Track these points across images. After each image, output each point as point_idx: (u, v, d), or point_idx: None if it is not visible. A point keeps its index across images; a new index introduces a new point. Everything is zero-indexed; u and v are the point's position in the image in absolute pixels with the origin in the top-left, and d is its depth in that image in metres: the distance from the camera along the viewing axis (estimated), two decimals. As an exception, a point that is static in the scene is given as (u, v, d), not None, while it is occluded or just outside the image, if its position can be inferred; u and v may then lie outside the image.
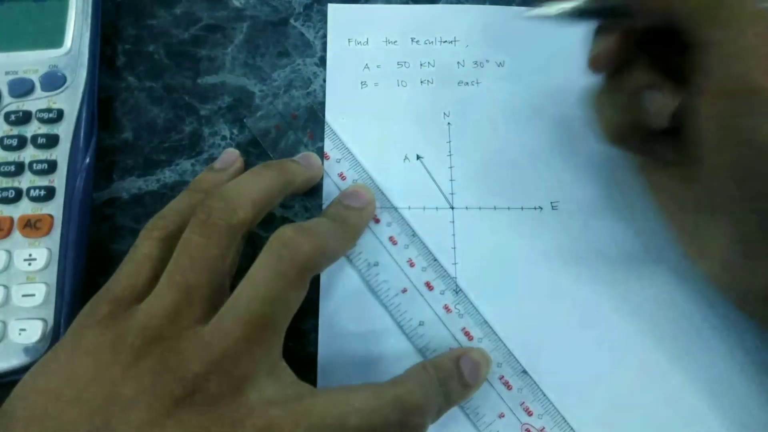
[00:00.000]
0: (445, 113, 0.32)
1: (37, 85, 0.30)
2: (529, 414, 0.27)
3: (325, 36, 0.34)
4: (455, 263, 0.29)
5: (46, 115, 0.29)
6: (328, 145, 0.31)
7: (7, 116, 0.29)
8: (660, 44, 0.24)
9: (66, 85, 0.30)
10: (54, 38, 0.30)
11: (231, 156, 0.30)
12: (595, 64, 0.25)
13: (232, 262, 0.25)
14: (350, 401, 0.22)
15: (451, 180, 0.31)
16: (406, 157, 0.31)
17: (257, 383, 0.21)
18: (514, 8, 0.34)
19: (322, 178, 0.31)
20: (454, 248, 0.29)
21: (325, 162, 0.31)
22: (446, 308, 0.28)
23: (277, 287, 0.22)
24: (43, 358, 0.22)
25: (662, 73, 0.24)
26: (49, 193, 0.28)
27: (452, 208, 0.30)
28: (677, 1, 0.21)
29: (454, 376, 0.25)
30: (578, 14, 0.24)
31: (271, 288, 0.22)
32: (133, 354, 0.21)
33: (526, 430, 0.26)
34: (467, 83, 0.33)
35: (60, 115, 0.29)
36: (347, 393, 0.22)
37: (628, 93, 0.25)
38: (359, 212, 0.28)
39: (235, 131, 0.32)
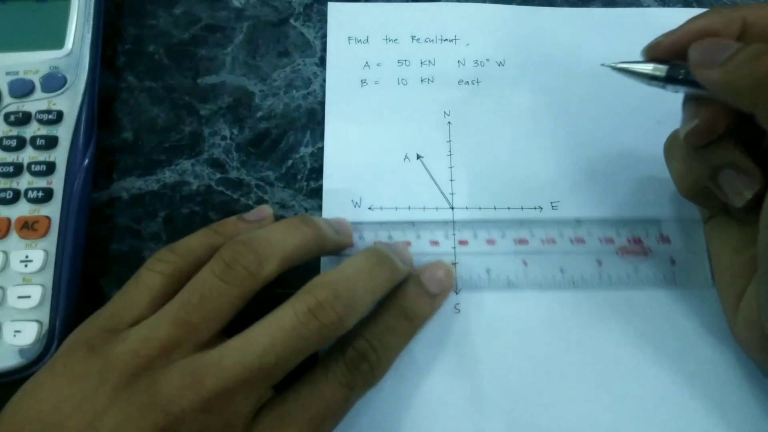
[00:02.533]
0: (445, 112, 0.32)
1: (38, 86, 0.30)
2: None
3: (324, 36, 0.33)
4: (455, 263, 0.28)
5: (45, 117, 0.29)
6: (328, 145, 0.31)
7: (6, 117, 0.29)
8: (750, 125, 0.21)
9: (66, 86, 0.30)
10: (55, 39, 0.30)
11: (264, 212, 0.28)
12: (690, 140, 0.23)
13: (239, 309, 0.23)
14: None
15: (451, 180, 0.30)
16: (406, 157, 0.31)
17: (246, 418, 0.21)
18: (515, 7, 0.34)
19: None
20: (455, 248, 0.29)
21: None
22: (446, 308, 0.28)
23: (296, 347, 0.21)
24: (31, 379, 0.22)
25: (747, 156, 0.22)
26: (47, 195, 0.28)
27: (452, 208, 0.30)
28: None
29: (417, 295, 0.26)
30: (669, 80, 0.23)
31: (289, 347, 0.21)
32: (121, 382, 0.20)
33: None
34: (468, 82, 0.32)
35: (60, 116, 0.29)
36: None
37: (706, 166, 0.23)
38: (401, 264, 0.26)
39: (235, 131, 0.32)
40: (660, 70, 0.23)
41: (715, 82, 0.21)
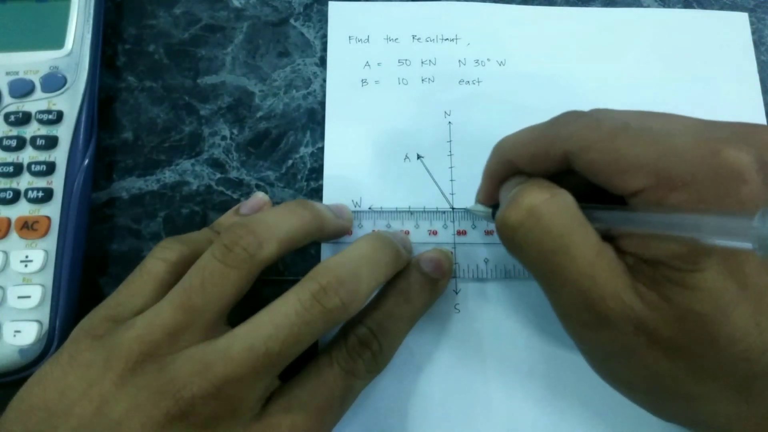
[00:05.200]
0: (446, 112, 0.32)
1: (38, 86, 0.30)
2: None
3: (325, 36, 0.33)
4: (456, 263, 0.28)
5: (45, 117, 0.29)
6: (328, 145, 0.31)
7: (6, 117, 0.29)
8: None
9: (66, 86, 0.30)
10: (55, 39, 0.30)
11: (259, 202, 0.29)
12: None
13: (242, 294, 0.23)
14: None
15: (452, 180, 0.30)
16: (406, 157, 0.31)
17: (255, 406, 0.21)
18: (516, 7, 0.34)
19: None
20: (455, 247, 0.29)
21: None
22: (446, 309, 0.28)
23: (300, 333, 0.21)
24: (39, 369, 0.22)
25: None
26: (47, 195, 0.28)
27: (453, 208, 0.30)
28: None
29: (418, 281, 0.26)
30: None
31: (294, 333, 0.21)
32: (127, 369, 0.20)
33: None
34: (468, 82, 0.32)
35: (60, 116, 0.29)
36: None
37: None
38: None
39: (235, 131, 0.32)
40: (487, 213, 0.27)
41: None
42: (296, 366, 0.23)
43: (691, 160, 0.19)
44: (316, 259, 0.29)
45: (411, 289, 0.26)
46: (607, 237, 0.21)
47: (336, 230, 0.28)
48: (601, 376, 0.22)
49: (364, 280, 0.23)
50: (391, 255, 0.25)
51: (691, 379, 0.19)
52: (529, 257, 0.21)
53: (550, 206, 0.21)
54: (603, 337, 0.20)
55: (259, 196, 0.29)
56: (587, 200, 0.21)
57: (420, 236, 0.29)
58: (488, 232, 0.29)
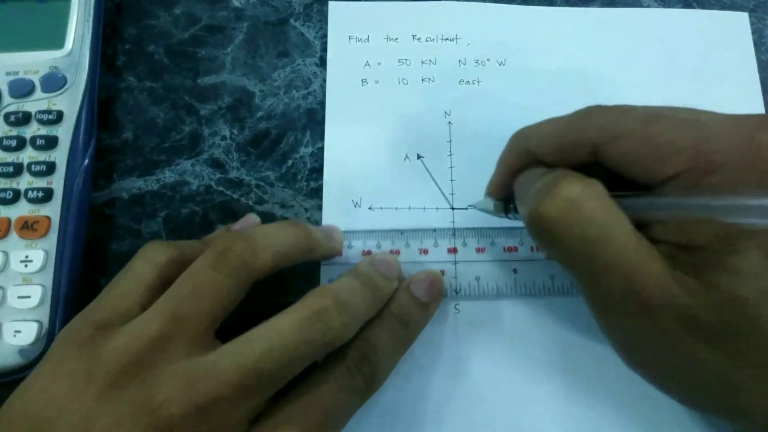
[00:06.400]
0: (446, 112, 0.32)
1: (38, 86, 0.30)
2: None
3: (324, 36, 0.33)
4: (455, 263, 0.28)
5: (45, 117, 0.29)
6: (328, 145, 0.31)
7: (6, 117, 0.29)
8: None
9: (66, 86, 0.30)
10: (55, 39, 0.30)
11: (251, 222, 0.29)
12: None
13: (233, 305, 0.23)
14: None
15: (452, 180, 0.30)
16: (406, 157, 0.31)
17: (239, 426, 0.21)
18: (516, 7, 0.34)
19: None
20: (455, 248, 0.29)
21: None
22: (446, 309, 0.28)
23: (295, 354, 0.21)
24: (25, 379, 0.21)
25: None
26: (47, 195, 0.28)
27: (452, 208, 0.30)
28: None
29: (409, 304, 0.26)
30: (507, 212, 0.26)
31: (290, 352, 0.21)
32: (110, 380, 0.20)
33: None
34: (468, 82, 0.32)
35: (60, 116, 0.29)
36: None
37: None
38: (388, 282, 0.26)
39: (235, 131, 0.32)
40: (498, 206, 0.26)
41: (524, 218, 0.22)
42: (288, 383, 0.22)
43: (727, 143, 0.19)
44: (315, 267, 0.29)
45: (404, 313, 0.26)
46: (638, 226, 0.20)
47: (326, 252, 0.28)
48: (636, 369, 0.22)
49: (361, 308, 0.23)
50: (379, 292, 0.25)
51: (733, 368, 0.19)
52: (569, 249, 0.20)
53: (589, 195, 0.20)
54: (643, 326, 0.20)
55: (251, 217, 0.29)
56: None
57: (410, 255, 0.28)
58: (479, 250, 0.29)
